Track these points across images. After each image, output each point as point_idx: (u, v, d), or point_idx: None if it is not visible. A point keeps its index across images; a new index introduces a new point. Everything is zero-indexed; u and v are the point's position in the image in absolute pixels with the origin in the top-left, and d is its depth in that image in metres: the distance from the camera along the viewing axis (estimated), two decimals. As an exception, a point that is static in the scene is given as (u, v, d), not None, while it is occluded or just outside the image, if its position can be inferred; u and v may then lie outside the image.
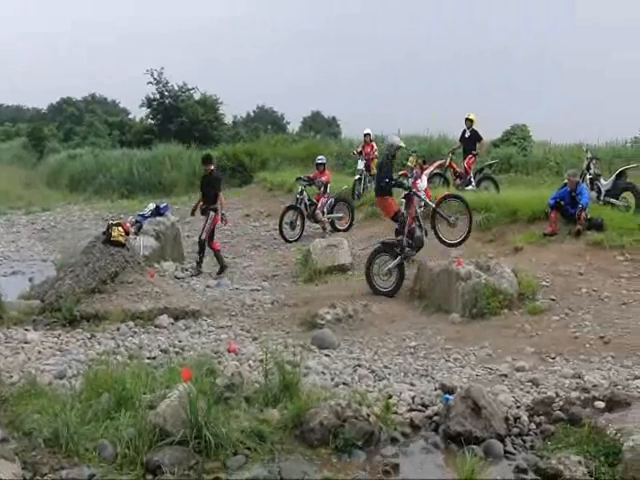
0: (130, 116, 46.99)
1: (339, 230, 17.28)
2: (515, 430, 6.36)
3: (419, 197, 12.52)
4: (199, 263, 14.85)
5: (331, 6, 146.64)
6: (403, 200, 12.69)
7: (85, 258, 11.82)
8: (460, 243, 12.77)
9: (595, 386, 7.20)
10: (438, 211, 12.61)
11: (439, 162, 18.58)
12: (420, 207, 12.61)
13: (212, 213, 14.74)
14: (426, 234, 12.69)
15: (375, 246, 13.20)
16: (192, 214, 15.83)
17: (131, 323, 10.54)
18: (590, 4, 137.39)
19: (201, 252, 14.81)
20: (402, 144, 13.25)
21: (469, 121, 18.64)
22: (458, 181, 18.40)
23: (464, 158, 18.51)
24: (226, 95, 64.03)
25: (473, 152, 18.41)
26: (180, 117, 38.23)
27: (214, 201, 14.92)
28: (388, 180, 12.50)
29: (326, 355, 9.30)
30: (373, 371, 8.43)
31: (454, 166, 18.55)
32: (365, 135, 19.97)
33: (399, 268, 12.41)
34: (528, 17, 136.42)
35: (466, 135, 18.74)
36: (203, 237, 14.70)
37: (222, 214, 15.11)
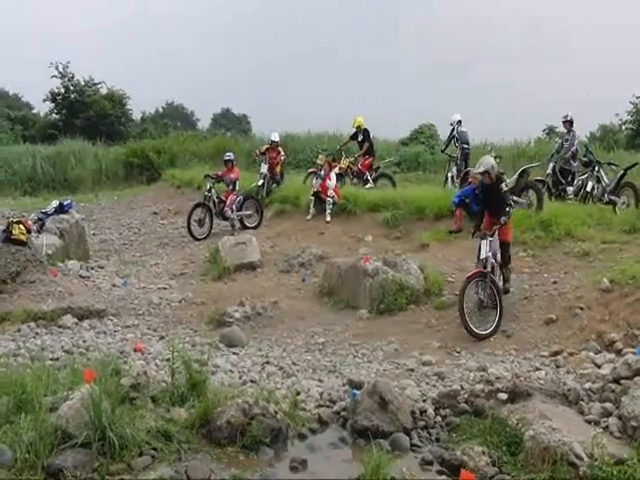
0: (34, 111, 45.41)
1: (248, 228, 17.19)
2: (421, 423, 6.44)
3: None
4: None
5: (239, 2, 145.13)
6: None
7: (-17, 257, 11.44)
8: (490, 335, 9.77)
9: (498, 378, 7.40)
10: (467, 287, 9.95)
11: (346, 162, 19.03)
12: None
13: None
14: (507, 292, 10.60)
15: None
16: None
17: (33, 324, 10.24)
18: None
19: None
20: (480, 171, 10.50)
21: (357, 127, 19.37)
22: (356, 180, 19.00)
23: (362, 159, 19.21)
24: (135, 91, 62.71)
25: (370, 153, 19.26)
26: (86, 112, 37.30)
27: None
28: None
29: (234, 353, 9.28)
30: (281, 368, 8.46)
31: (351, 166, 19.08)
32: (272, 142, 19.45)
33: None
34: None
35: (359, 138, 19.37)
36: None
37: None
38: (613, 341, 8.58)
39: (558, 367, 8.13)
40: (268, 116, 53.43)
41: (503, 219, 10.13)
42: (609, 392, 6.54)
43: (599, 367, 7.74)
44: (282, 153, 19.52)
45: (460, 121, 18.45)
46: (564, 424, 5.63)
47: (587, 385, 6.87)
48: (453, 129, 18.52)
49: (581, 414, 6.26)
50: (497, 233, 10.32)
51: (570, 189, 15.20)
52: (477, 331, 9.70)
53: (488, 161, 10.50)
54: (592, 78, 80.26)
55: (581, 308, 9.64)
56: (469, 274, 10.17)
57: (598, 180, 14.89)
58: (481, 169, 10.43)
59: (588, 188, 14.91)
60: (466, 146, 18.17)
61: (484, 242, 10.15)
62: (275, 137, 19.59)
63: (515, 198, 14.43)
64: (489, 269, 9.98)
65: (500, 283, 10.43)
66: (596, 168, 15.01)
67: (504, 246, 10.50)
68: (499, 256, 10.41)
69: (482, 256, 10.09)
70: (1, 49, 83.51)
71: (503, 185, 10.23)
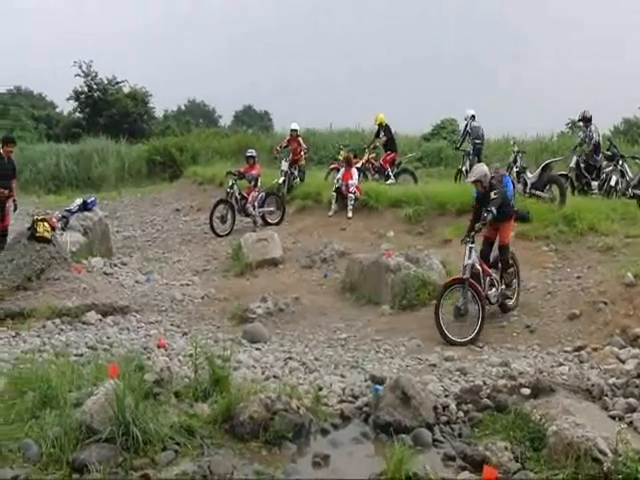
0: (57, 110, 45.82)
1: (270, 224, 17.23)
2: (444, 418, 6.40)
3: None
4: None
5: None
6: None
7: (9, 254, 11.57)
8: (469, 342, 9.47)
9: (521, 374, 7.36)
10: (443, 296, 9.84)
11: (367, 157, 19.08)
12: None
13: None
14: (507, 298, 10.43)
15: None
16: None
17: (57, 320, 10.30)
18: None
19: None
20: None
21: (379, 125, 19.49)
22: (377, 176, 19.06)
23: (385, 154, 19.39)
24: (157, 89, 63.06)
25: (392, 149, 19.39)
26: (109, 110, 37.58)
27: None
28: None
29: (257, 349, 9.29)
30: (304, 363, 8.46)
31: (372, 161, 19.18)
32: (292, 130, 19.62)
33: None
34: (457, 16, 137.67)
35: (381, 135, 19.46)
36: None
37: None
38: (637, 336, 8.51)
39: (582, 362, 8.06)
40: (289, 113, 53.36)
41: (477, 225, 10.02)
42: (633, 387, 6.50)
43: (623, 362, 7.70)
44: (302, 144, 19.50)
45: (474, 116, 18.58)
46: (588, 419, 5.58)
47: (611, 380, 6.82)
48: (467, 124, 18.75)
49: (605, 409, 6.20)
50: (499, 236, 10.26)
51: (595, 184, 15.03)
52: (454, 338, 9.47)
53: (480, 170, 10.34)
54: (617, 71, 79.66)
55: (605, 303, 9.56)
56: (446, 281, 10.17)
57: (622, 174, 14.74)
58: (472, 179, 10.31)
59: (612, 182, 14.76)
60: (478, 141, 18.30)
61: (467, 248, 9.95)
62: (295, 126, 19.66)
63: (538, 192, 14.37)
64: (467, 275, 9.72)
65: (494, 290, 10.23)
66: (620, 162, 14.86)
67: (503, 250, 10.30)
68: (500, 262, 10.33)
69: (464, 262, 9.86)
70: (27, 50, 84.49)
71: (492, 194, 10.02)
